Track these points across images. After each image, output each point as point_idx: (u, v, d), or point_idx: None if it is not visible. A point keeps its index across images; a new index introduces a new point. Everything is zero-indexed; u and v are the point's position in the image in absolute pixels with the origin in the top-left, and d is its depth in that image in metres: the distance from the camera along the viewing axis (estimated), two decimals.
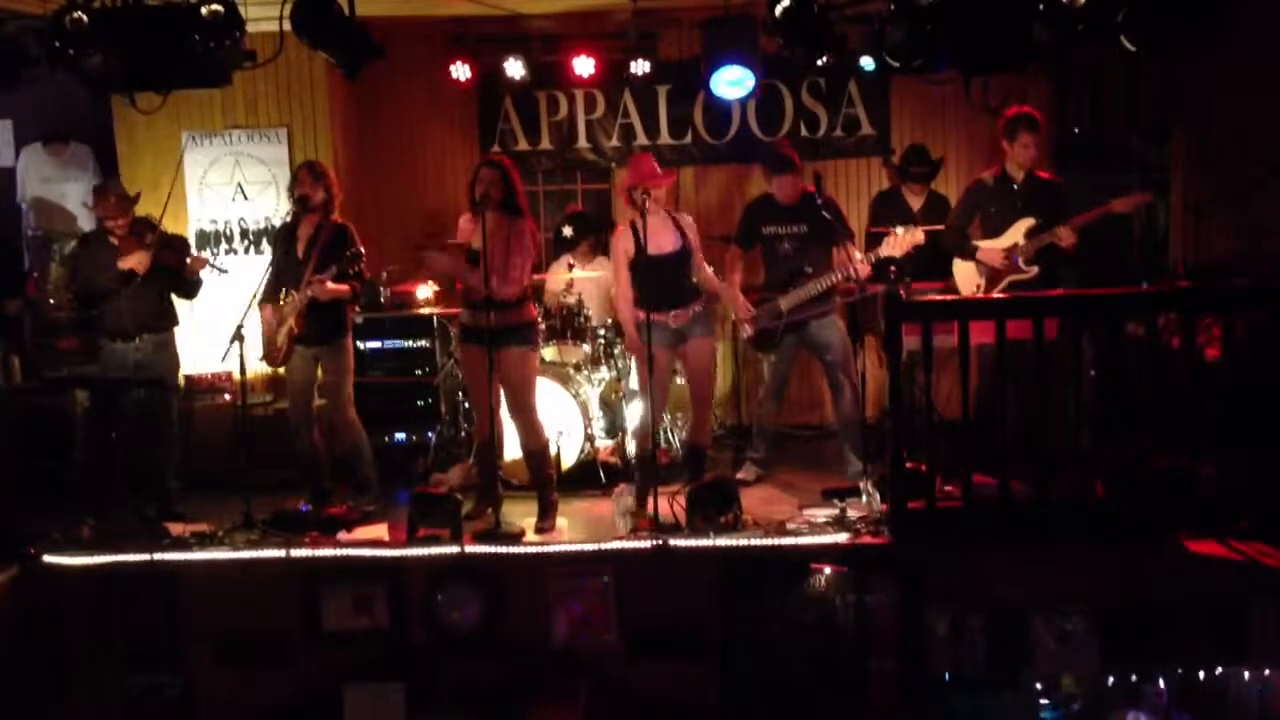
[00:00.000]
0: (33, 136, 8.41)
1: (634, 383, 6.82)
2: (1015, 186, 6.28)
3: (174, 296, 6.42)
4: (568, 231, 7.63)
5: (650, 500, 5.70)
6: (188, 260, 6.24)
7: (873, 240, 7.05)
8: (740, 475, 6.59)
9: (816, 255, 6.37)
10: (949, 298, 6.29)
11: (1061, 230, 6.05)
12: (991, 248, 6.27)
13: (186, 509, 6.26)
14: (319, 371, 6.26)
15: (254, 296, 6.07)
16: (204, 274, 6.34)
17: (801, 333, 6.42)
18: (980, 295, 6.27)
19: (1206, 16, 5.19)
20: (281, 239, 6.32)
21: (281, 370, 6.39)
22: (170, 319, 6.42)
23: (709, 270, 6.34)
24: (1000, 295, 6.21)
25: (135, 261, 6.09)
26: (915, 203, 7.35)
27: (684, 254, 6.11)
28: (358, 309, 7.20)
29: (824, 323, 6.39)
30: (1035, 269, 6.18)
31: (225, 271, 6.55)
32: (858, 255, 6.19)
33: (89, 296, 6.27)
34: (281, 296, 6.17)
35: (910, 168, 7.41)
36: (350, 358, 6.37)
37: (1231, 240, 7.01)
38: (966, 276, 6.40)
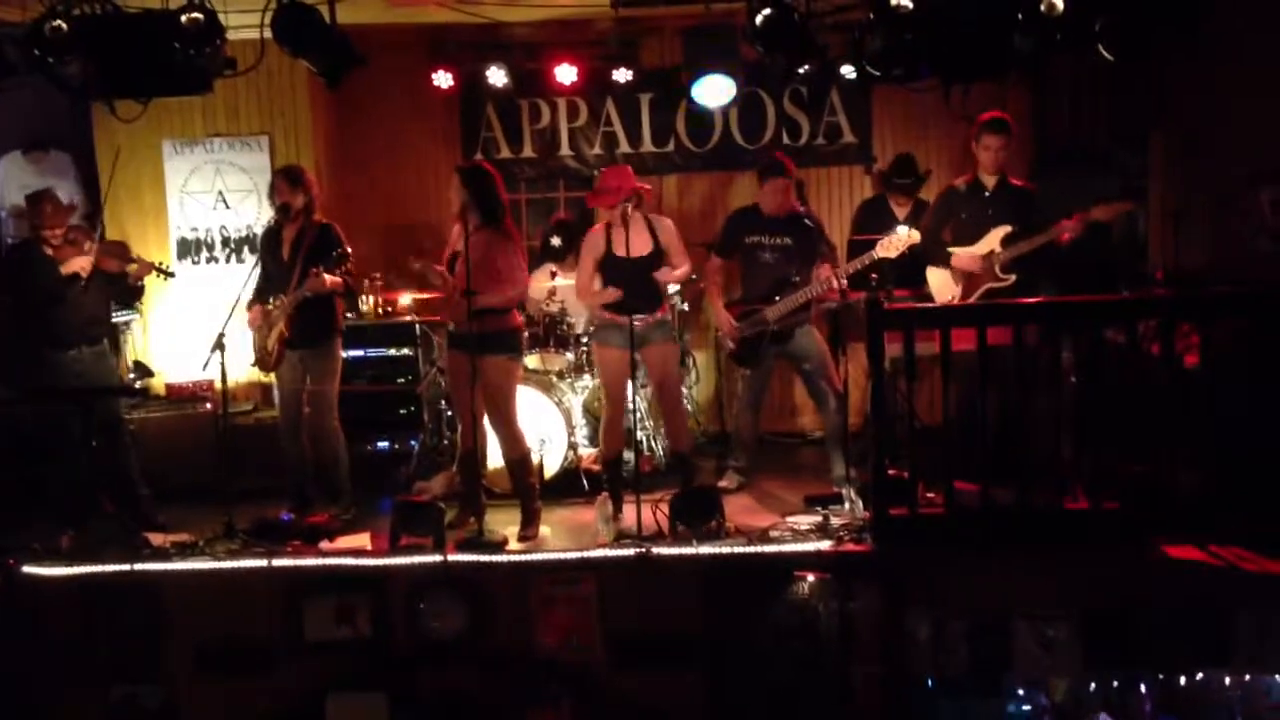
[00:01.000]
0: (12, 145, 8.35)
1: None
2: (986, 193, 6.27)
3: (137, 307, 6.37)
4: (556, 241, 7.63)
5: (628, 505, 5.72)
6: (131, 266, 6.17)
7: (856, 247, 7.06)
8: (722, 483, 6.60)
9: (800, 267, 6.39)
10: (931, 305, 6.30)
11: (1065, 221, 5.99)
12: (968, 255, 6.26)
13: (168, 519, 6.23)
14: (307, 378, 6.25)
15: (234, 305, 6.05)
16: (197, 275, 6.27)
17: (782, 344, 6.44)
18: (957, 303, 6.28)
19: (1185, 22, 5.22)
20: (266, 243, 6.31)
21: (270, 377, 6.37)
22: (106, 328, 6.34)
23: (680, 271, 6.20)
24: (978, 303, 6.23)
25: (79, 265, 6.01)
26: (900, 211, 7.35)
27: (654, 259, 6.08)
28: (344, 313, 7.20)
29: (801, 331, 6.42)
30: (1012, 277, 6.18)
31: (173, 275, 6.51)
32: (842, 275, 6.20)
33: (27, 308, 6.09)
34: (270, 301, 6.16)
35: (895, 179, 7.41)
36: (337, 362, 6.36)
37: (1210, 246, 7.06)
38: (942, 285, 6.38)
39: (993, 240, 6.20)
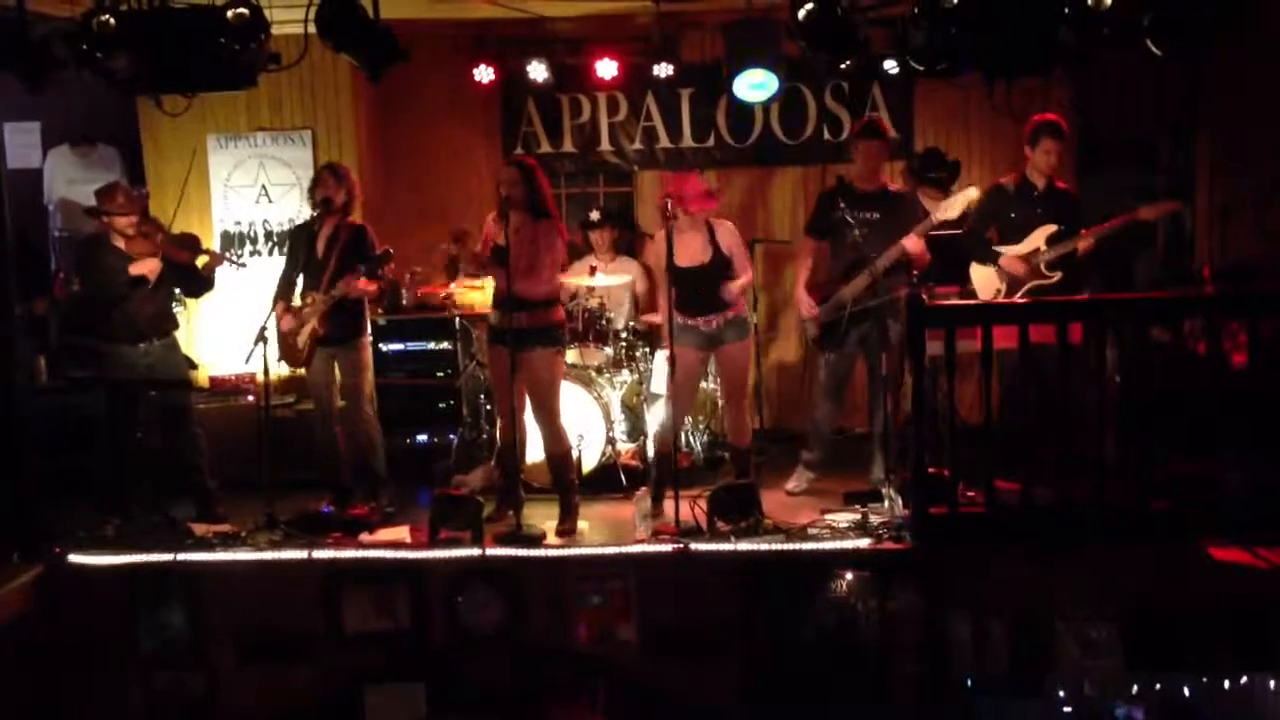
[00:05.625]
0: (60, 138, 8.48)
1: (655, 386, 6.83)
2: (1036, 194, 6.19)
3: (182, 298, 6.40)
4: (595, 216, 7.66)
5: (665, 500, 5.71)
6: (201, 258, 6.22)
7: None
8: (789, 486, 6.53)
9: (886, 244, 6.13)
10: (972, 302, 6.25)
11: (1082, 235, 5.98)
12: (1014, 256, 6.18)
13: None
14: (337, 372, 6.29)
15: (275, 299, 6.11)
16: (220, 271, 6.32)
17: (862, 327, 6.23)
18: (1003, 300, 6.21)
19: (1233, 17, 5.14)
20: (302, 239, 6.35)
21: (303, 371, 6.43)
22: (174, 321, 6.39)
23: (742, 280, 6.15)
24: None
25: (148, 268, 6.06)
26: (932, 206, 7.25)
27: (716, 264, 6.06)
28: (380, 310, 7.24)
29: (887, 325, 6.16)
30: (1058, 274, 6.11)
31: (244, 266, 6.57)
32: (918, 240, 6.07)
33: (98, 301, 6.15)
34: (301, 298, 6.20)
35: (927, 174, 7.32)
36: (367, 356, 6.40)
37: (1259, 243, 6.96)
38: (986, 282, 6.31)
39: (1038, 238, 6.14)
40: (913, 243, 6.03)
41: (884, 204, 6.27)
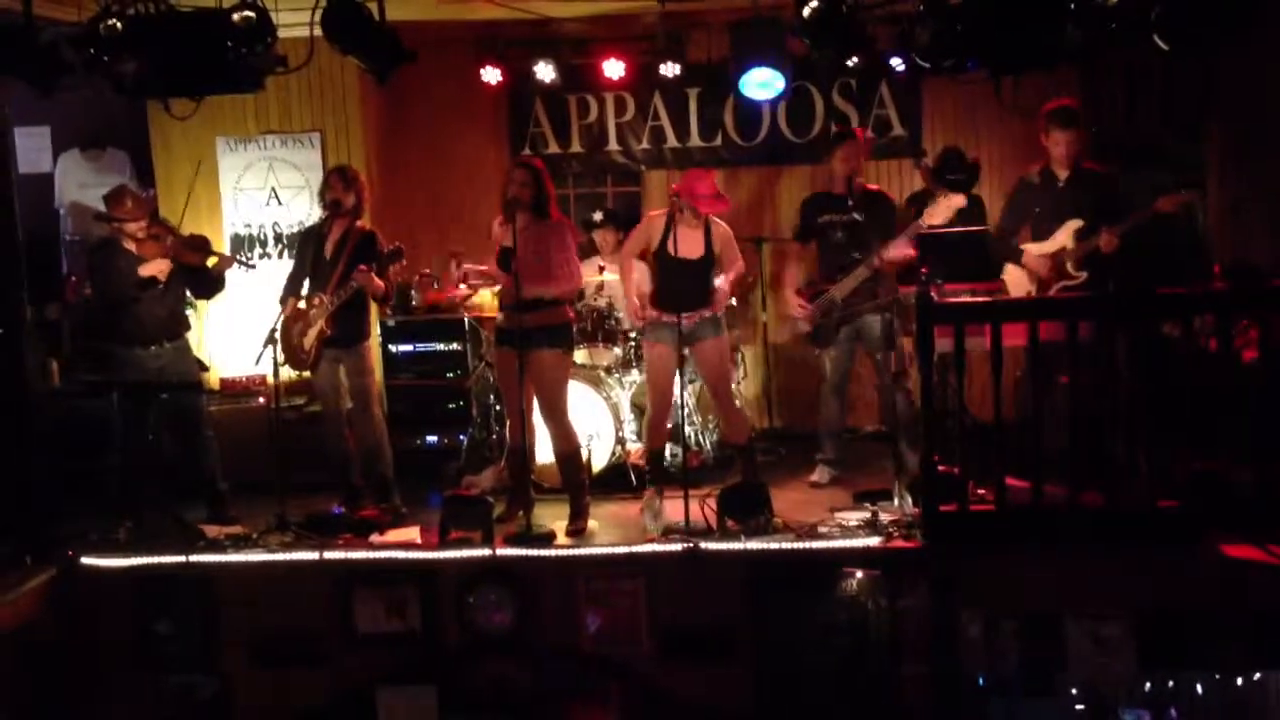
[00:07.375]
0: (70, 143, 8.51)
1: None
2: (1060, 185, 6.11)
3: (193, 300, 6.42)
4: (598, 217, 7.66)
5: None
6: (212, 259, 6.23)
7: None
8: (813, 479, 6.58)
9: (868, 245, 6.30)
10: (980, 299, 6.21)
11: (1104, 234, 5.90)
12: (1038, 255, 6.12)
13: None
14: (342, 374, 6.30)
15: (283, 299, 6.13)
16: (231, 272, 6.34)
17: (856, 324, 6.40)
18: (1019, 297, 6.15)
19: (1241, 12, 5.11)
20: (310, 240, 6.37)
21: (308, 374, 6.44)
22: (185, 324, 6.41)
23: (728, 283, 6.25)
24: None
25: (157, 269, 6.09)
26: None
27: (707, 262, 6.12)
28: (389, 310, 7.25)
29: (872, 319, 6.34)
30: (1084, 274, 6.02)
31: (253, 267, 6.59)
32: (894, 248, 6.19)
33: (110, 305, 6.18)
34: (307, 300, 6.21)
35: (947, 175, 7.30)
36: (371, 358, 6.42)
37: (1271, 240, 6.93)
38: (1018, 281, 6.24)
39: (1064, 235, 6.07)
40: (897, 250, 6.16)
41: (864, 205, 6.33)
